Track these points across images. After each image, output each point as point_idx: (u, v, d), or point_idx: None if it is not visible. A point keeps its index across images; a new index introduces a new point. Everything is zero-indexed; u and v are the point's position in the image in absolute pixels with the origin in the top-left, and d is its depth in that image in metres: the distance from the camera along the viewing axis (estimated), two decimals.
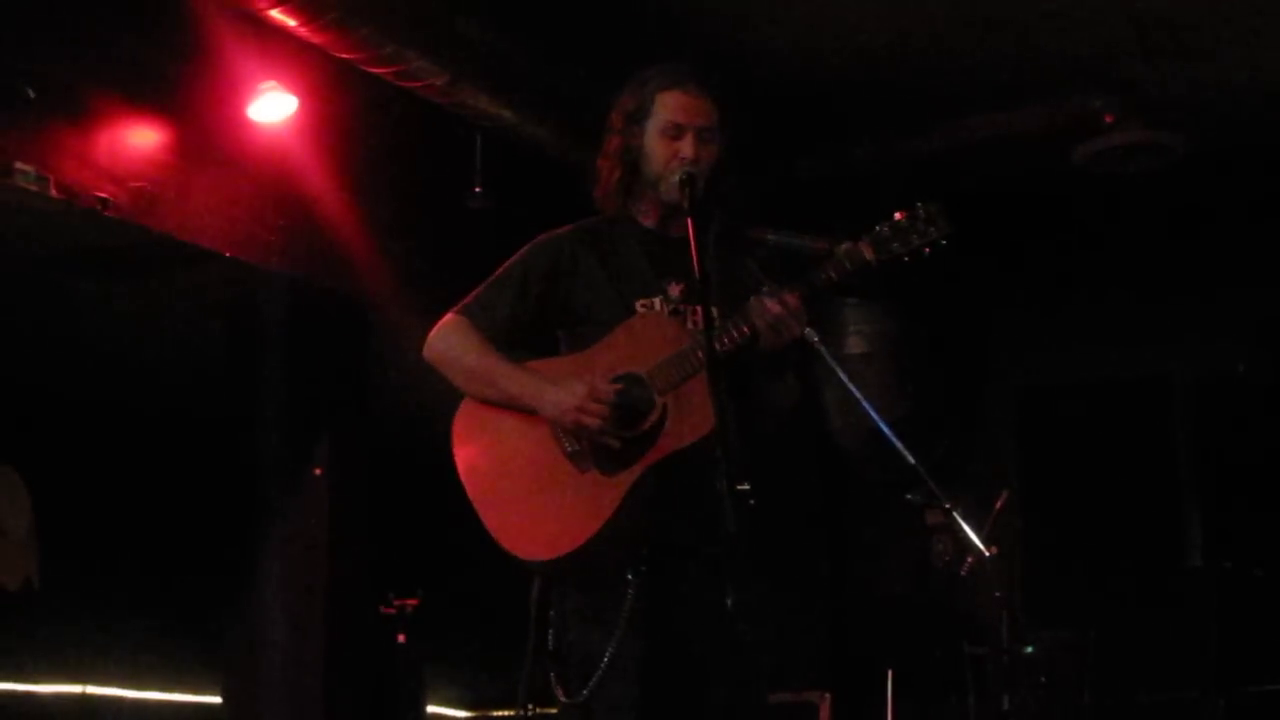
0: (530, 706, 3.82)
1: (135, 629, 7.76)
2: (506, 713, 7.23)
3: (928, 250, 3.85)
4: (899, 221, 3.86)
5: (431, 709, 7.95)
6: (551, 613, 3.83)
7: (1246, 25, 7.07)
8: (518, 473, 3.82)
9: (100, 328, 7.25)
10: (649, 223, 4.04)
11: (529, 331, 3.99)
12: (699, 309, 3.90)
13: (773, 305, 3.75)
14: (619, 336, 3.87)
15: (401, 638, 7.19)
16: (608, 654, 3.67)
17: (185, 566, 7.59)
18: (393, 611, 7.20)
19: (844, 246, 3.88)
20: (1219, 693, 7.61)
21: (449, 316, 4.01)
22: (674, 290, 3.93)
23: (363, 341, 7.06)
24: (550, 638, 3.82)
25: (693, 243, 3.68)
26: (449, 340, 3.97)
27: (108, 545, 7.57)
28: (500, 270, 4.03)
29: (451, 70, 6.42)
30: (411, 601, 7.20)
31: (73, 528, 7.47)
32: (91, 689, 7.79)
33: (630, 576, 3.69)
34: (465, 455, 3.89)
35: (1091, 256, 9.12)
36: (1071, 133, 7.68)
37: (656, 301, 3.92)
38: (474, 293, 4.03)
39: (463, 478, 3.86)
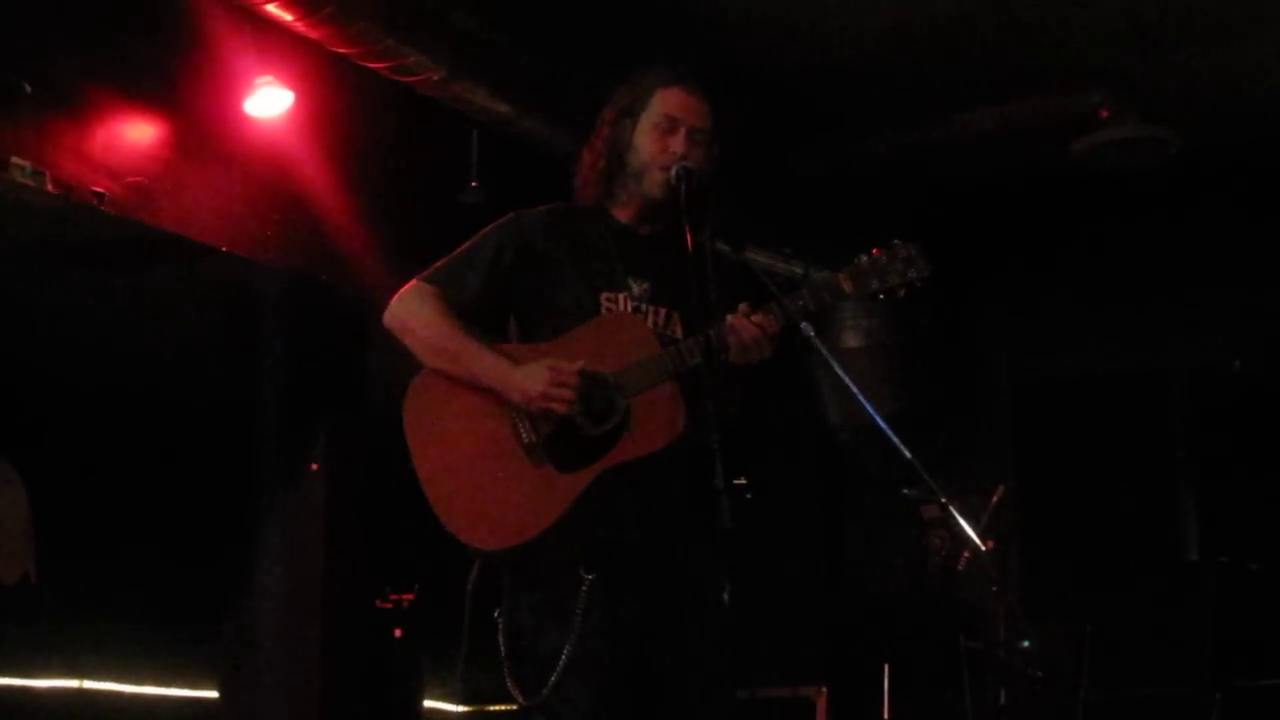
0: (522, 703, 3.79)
1: (132, 623, 7.75)
2: (502, 708, 7.21)
3: (904, 292, 3.86)
4: (877, 258, 3.87)
5: (427, 703, 7.94)
6: (497, 613, 3.79)
7: (1242, 20, 7.07)
8: (471, 457, 3.76)
9: (97, 322, 7.24)
10: (624, 218, 4.00)
11: (491, 310, 3.93)
12: (660, 309, 3.89)
13: (748, 328, 3.74)
14: (586, 332, 3.83)
15: (398, 632, 7.19)
16: (565, 652, 3.63)
17: (182, 561, 7.59)
18: (389, 606, 7.20)
19: (822, 276, 3.88)
20: (1215, 687, 7.60)
21: (414, 283, 3.94)
22: (638, 288, 3.90)
23: (359, 336, 7.05)
24: (503, 639, 3.78)
25: (689, 239, 3.68)
26: (413, 308, 3.90)
27: (104, 540, 7.56)
28: (470, 243, 3.99)
29: (448, 65, 6.42)
30: (408, 596, 7.20)
31: (69, 522, 7.46)
32: (88, 684, 7.78)
33: (585, 574, 3.66)
34: (417, 429, 3.82)
35: (1088, 251, 9.13)
36: (1067, 128, 7.68)
37: (621, 297, 3.89)
38: (440, 263, 3.98)
39: (413, 457, 3.79)
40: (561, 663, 3.63)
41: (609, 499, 3.70)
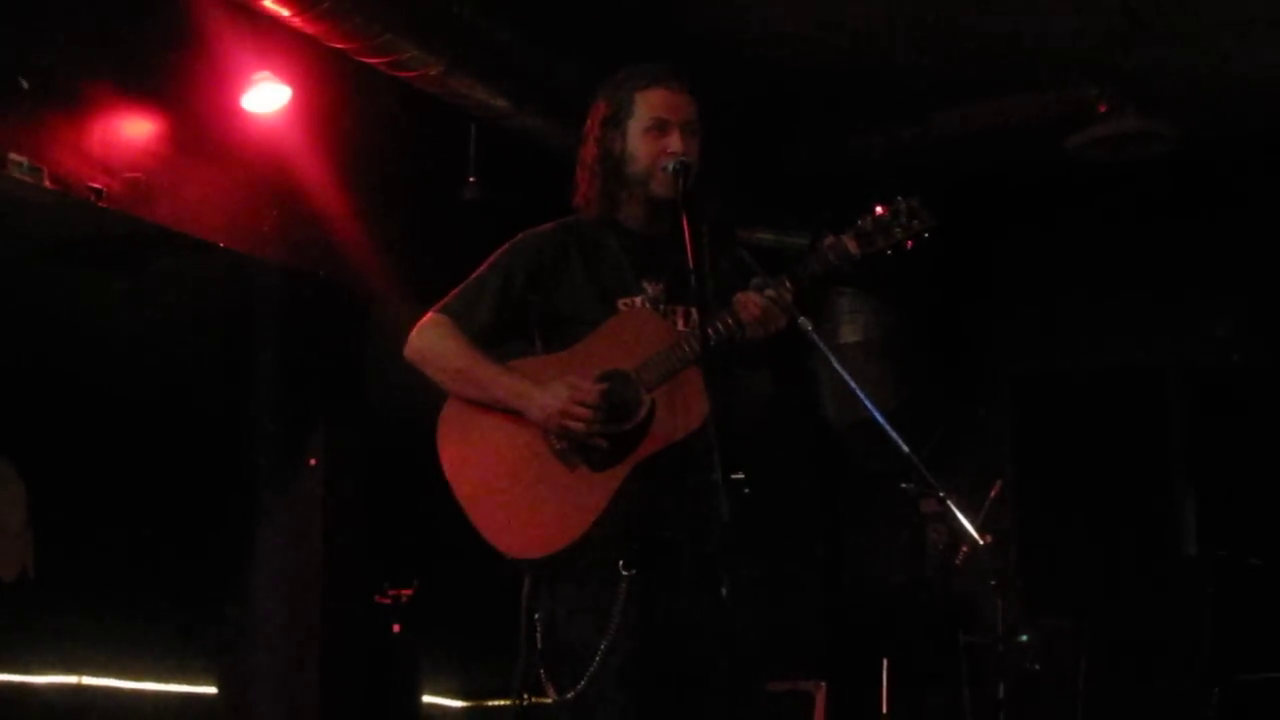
0: (526, 696, 3.81)
1: (130, 619, 7.76)
2: (502, 703, 7.23)
3: (910, 244, 3.89)
4: (881, 216, 3.92)
5: (426, 699, 7.95)
6: (537, 613, 3.82)
7: (1240, 13, 7.07)
8: (506, 471, 3.81)
9: (94, 318, 7.25)
10: (630, 223, 4.02)
11: (510, 330, 3.98)
12: (677, 308, 3.93)
13: (760, 299, 3.77)
14: (603, 333, 3.87)
15: (397, 627, 7.19)
16: (600, 650, 3.66)
17: (180, 556, 7.59)
18: (388, 601, 7.20)
19: (828, 240, 3.91)
20: (1213, 681, 7.61)
21: (430, 315, 4.00)
22: (652, 289, 3.94)
23: (357, 331, 7.06)
24: (539, 635, 3.80)
25: (686, 233, 3.68)
26: (431, 340, 3.95)
27: (103, 535, 7.57)
28: (482, 268, 4.02)
29: (446, 60, 6.42)
30: (406, 591, 7.20)
31: (68, 518, 7.47)
32: (87, 679, 7.79)
33: (623, 572, 3.69)
34: (451, 454, 3.87)
35: (1086, 245, 9.13)
36: (1065, 121, 7.68)
37: (637, 300, 3.92)
38: (455, 291, 4.02)
39: (449, 477, 3.84)
40: (597, 658, 3.65)
41: (643, 493, 3.73)
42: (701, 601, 3.72)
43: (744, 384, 3.92)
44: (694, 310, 3.89)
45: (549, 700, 3.78)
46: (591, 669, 3.66)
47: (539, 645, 3.81)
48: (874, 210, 3.92)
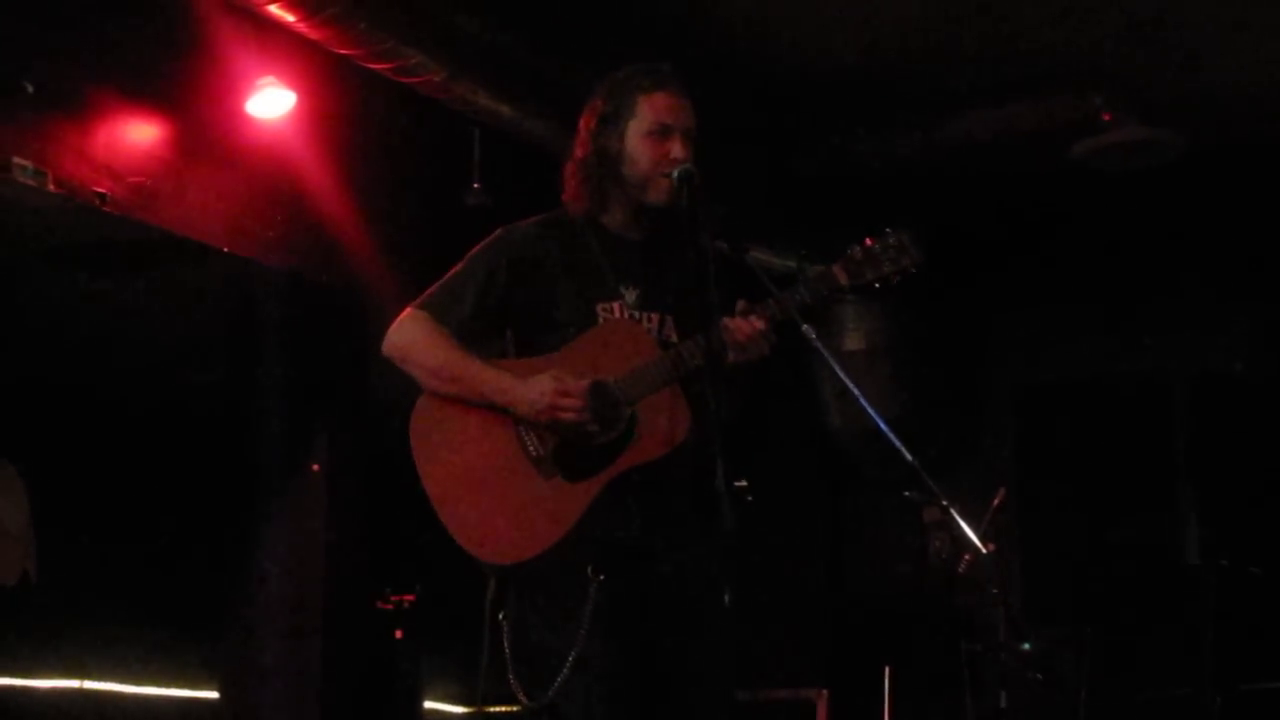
0: (526, 701, 3.80)
1: (133, 624, 7.76)
2: (504, 709, 7.22)
3: (897, 279, 3.86)
4: (871, 247, 3.88)
5: (428, 705, 7.94)
6: (502, 615, 3.79)
7: (1245, 22, 7.07)
8: (479, 474, 3.78)
9: (98, 322, 7.25)
10: (614, 225, 3.98)
11: (489, 327, 3.94)
12: (653, 315, 3.89)
13: (745, 326, 3.74)
14: (585, 342, 3.83)
15: (399, 633, 7.19)
16: (571, 655, 3.63)
17: (183, 562, 7.59)
18: (390, 607, 7.19)
19: (817, 269, 3.88)
20: (1216, 690, 7.61)
21: (408, 311, 3.95)
22: (630, 294, 3.90)
23: (361, 337, 7.04)
24: (508, 640, 3.78)
25: (695, 242, 3.65)
26: (410, 335, 3.91)
27: (106, 540, 7.57)
28: (461, 265, 3.98)
29: (450, 66, 6.42)
30: (409, 597, 7.20)
31: (70, 522, 7.47)
32: (89, 684, 7.79)
33: (593, 577, 3.67)
34: (425, 454, 3.83)
35: (1089, 254, 9.12)
36: (1069, 130, 7.68)
37: (615, 305, 3.88)
38: (433, 288, 3.98)
39: (422, 477, 3.81)
40: (567, 664, 3.63)
41: (617, 505, 3.71)
42: (670, 612, 3.73)
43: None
44: (669, 317, 3.89)
45: (520, 706, 3.76)
46: (563, 675, 3.64)
47: (507, 648, 3.78)
48: (864, 241, 3.89)
